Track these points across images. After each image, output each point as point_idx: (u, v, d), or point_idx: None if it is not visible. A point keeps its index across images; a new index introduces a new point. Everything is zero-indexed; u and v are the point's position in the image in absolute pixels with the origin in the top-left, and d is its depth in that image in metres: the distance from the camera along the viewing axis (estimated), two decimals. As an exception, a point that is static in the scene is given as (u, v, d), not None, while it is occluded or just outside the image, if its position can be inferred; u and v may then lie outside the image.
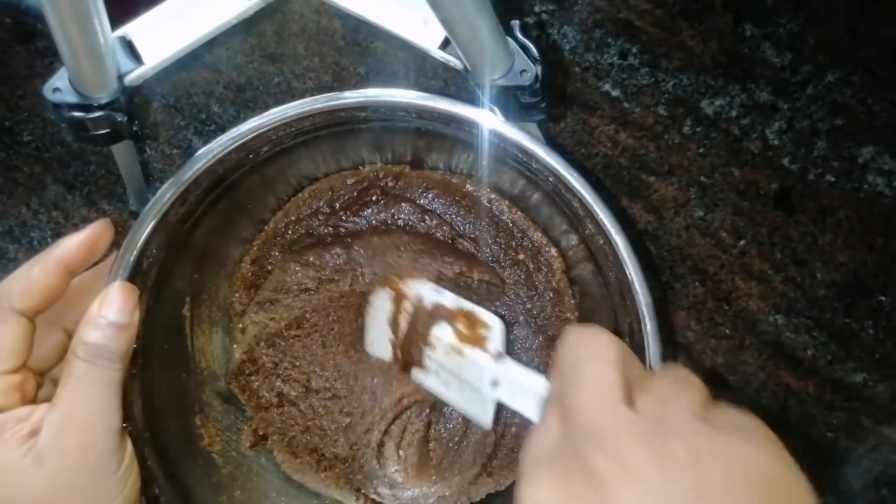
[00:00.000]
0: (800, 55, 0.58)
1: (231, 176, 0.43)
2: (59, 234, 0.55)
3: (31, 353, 0.34)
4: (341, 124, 0.43)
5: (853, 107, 0.57)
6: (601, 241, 0.40)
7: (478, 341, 0.41)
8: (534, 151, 0.40)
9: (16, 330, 0.33)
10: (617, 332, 0.42)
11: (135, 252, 0.38)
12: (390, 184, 0.49)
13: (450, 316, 0.43)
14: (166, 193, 0.39)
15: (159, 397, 0.41)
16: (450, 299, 0.43)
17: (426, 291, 0.44)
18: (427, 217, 0.49)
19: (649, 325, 0.38)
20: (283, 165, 0.46)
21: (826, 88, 0.58)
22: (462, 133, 0.42)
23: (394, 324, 0.45)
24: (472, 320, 0.42)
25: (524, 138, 0.40)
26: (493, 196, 0.49)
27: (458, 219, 0.50)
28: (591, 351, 0.25)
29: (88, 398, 0.32)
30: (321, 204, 0.50)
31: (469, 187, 0.49)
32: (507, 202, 0.49)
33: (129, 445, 0.34)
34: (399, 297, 0.45)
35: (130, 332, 0.35)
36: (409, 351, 0.44)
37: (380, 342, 0.46)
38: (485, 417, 0.41)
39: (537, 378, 0.37)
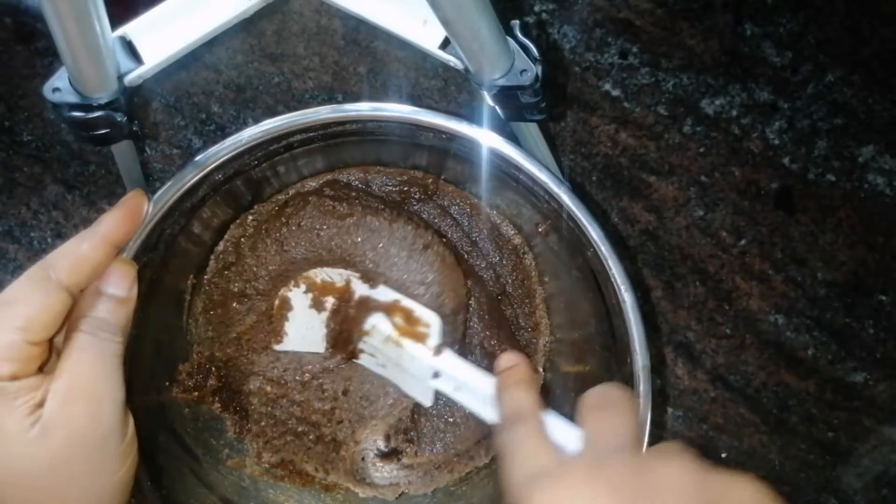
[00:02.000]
0: (800, 54, 0.58)
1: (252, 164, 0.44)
2: (59, 234, 0.55)
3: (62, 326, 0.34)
4: (367, 133, 0.44)
5: (853, 106, 0.57)
6: (612, 298, 0.40)
7: (416, 336, 0.43)
8: (554, 191, 0.40)
9: (56, 304, 0.33)
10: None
11: (149, 226, 0.39)
12: (431, 186, 0.49)
13: (386, 308, 0.43)
14: (186, 175, 0.40)
15: (146, 367, 0.41)
16: (383, 293, 0.44)
17: (355, 283, 0.45)
18: (458, 230, 0.50)
19: (643, 388, 0.38)
20: (312, 157, 0.47)
21: (826, 88, 0.58)
22: (486, 161, 0.43)
23: (321, 315, 0.45)
24: (409, 316, 0.43)
25: (559, 189, 0.40)
26: (511, 233, 0.50)
27: (488, 244, 0.50)
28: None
29: (93, 369, 0.32)
30: (353, 180, 0.49)
31: (496, 219, 0.50)
32: (519, 239, 0.49)
33: (132, 422, 0.34)
34: (316, 290, 0.45)
35: (129, 305, 0.35)
36: (343, 340, 0.45)
37: (309, 336, 0.46)
38: (425, 399, 0.44)
39: (480, 374, 0.39)
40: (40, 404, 0.31)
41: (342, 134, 0.44)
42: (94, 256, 0.34)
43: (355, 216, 0.45)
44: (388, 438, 0.47)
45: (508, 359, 0.36)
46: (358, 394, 0.47)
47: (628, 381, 0.39)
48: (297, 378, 0.47)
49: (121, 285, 0.35)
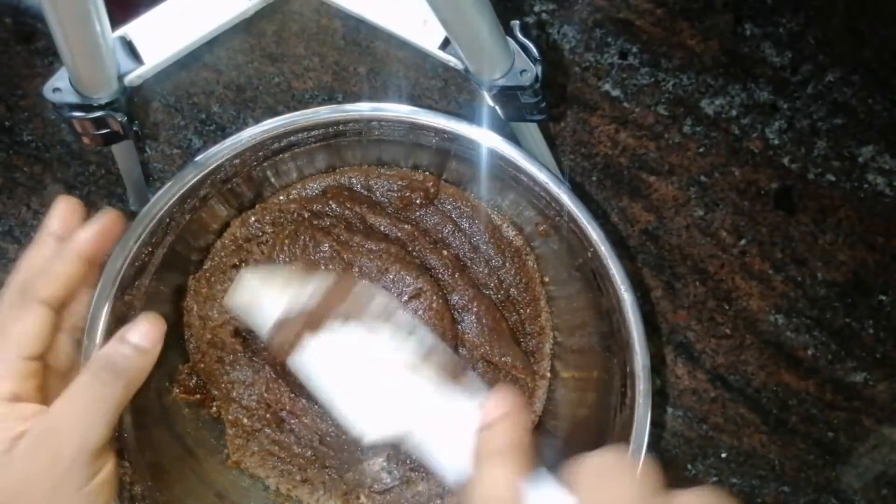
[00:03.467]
0: (800, 54, 0.58)
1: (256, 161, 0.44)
2: (59, 234, 0.55)
3: (52, 341, 0.35)
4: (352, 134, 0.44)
5: (853, 106, 0.57)
6: (612, 299, 0.40)
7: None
8: (554, 191, 0.40)
9: (38, 317, 0.34)
10: (608, 390, 0.42)
11: (150, 226, 0.39)
12: (432, 189, 0.49)
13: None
14: (186, 175, 0.40)
15: None
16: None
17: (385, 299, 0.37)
18: (461, 237, 0.49)
19: (643, 387, 0.38)
20: (312, 157, 0.47)
21: (826, 88, 0.58)
22: (490, 165, 0.43)
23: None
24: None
25: (557, 187, 0.40)
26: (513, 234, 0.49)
27: (492, 252, 0.49)
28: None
29: (74, 411, 0.32)
30: (355, 183, 0.49)
31: (497, 220, 0.49)
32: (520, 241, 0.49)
33: (109, 466, 0.33)
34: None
35: (147, 358, 0.35)
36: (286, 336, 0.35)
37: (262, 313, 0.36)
38: (367, 428, 0.32)
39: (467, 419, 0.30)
40: (21, 436, 0.32)
41: (343, 134, 0.44)
42: (66, 271, 0.35)
43: (356, 266, 0.45)
44: (388, 472, 0.46)
45: (495, 406, 0.29)
46: (336, 443, 0.46)
47: (628, 380, 0.39)
48: (269, 415, 0.46)
49: (146, 337, 0.35)
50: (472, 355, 0.46)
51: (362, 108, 0.41)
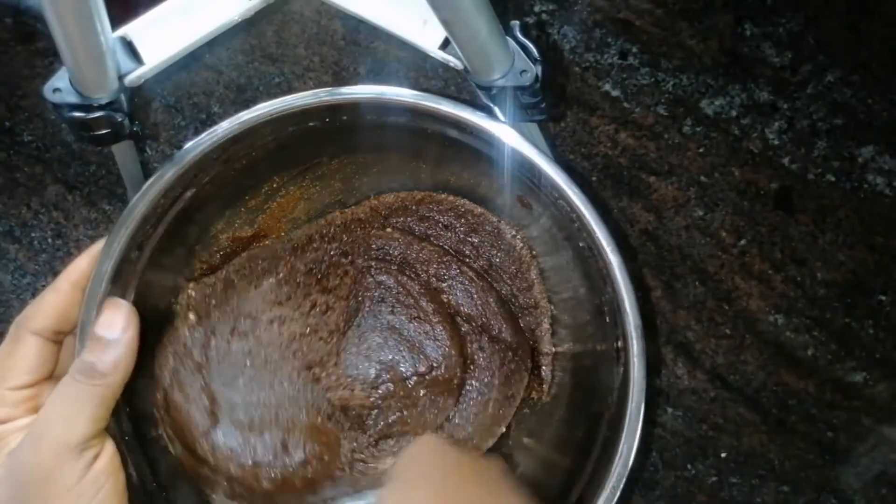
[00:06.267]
0: (800, 55, 0.58)
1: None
2: (59, 235, 0.55)
3: (53, 369, 0.35)
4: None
5: (853, 106, 0.57)
6: (596, 260, 0.40)
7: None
8: (538, 165, 0.40)
9: (30, 350, 0.34)
10: (604, 351, 0.42)
11: (128, 232, 0.38)
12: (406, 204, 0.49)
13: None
14: (167, 172, 0.39)
15: (146, 373, 0.41)
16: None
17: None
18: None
19: (635, 347, 0.38)
20: (288, 151, 0.46)
21: (826, 88, 0.58)
22: (480, 144, 0.42)
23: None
24: None
25: (532, 152, 0.40)
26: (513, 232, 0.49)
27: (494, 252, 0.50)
28: None
29: (53, 412, 0.33)
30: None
31: (495, 221, 0.49)
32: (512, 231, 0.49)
33: (103, 462, 0.33)
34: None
35: (119, 348, 0.34)
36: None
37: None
38: None
39: None
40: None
41: (312, 129, 0.43)
42: (55, 299, 0.35)
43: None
44: None
45: None
46: None
47: (621, 343, 0.39)
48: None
49: (110, 326, 0.35)
50: (471, 327, 0.46)
51: (361, 91, 0.40)
